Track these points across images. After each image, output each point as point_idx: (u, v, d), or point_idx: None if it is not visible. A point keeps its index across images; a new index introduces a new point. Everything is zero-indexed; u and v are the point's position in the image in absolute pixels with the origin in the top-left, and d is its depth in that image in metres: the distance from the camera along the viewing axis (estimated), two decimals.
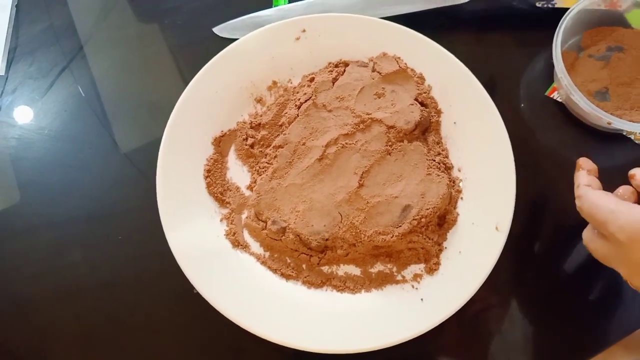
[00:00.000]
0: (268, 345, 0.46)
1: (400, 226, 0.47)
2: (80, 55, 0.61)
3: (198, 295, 0.47)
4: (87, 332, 0.52)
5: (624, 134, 0.55)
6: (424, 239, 0.48)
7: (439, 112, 0.54)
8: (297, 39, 0.55)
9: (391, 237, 0.47)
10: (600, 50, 0.56)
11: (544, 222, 0.53)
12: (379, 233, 0.47)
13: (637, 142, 0.54)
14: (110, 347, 0.51)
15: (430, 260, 0.49)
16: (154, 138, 0.55)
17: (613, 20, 0.56)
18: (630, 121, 0.50)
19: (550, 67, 0.55)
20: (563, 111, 0.56)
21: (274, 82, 0.56)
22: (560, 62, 0.51)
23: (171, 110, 0.52)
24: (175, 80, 0.60)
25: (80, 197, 0.56)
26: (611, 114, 0.50)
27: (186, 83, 0.53)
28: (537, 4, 0.58)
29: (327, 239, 0.48)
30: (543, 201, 0.54)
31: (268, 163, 0.52)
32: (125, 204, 0.55)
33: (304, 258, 0.50)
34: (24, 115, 0.59)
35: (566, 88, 0.51)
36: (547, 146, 0.55)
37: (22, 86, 0.60)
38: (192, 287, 0.48)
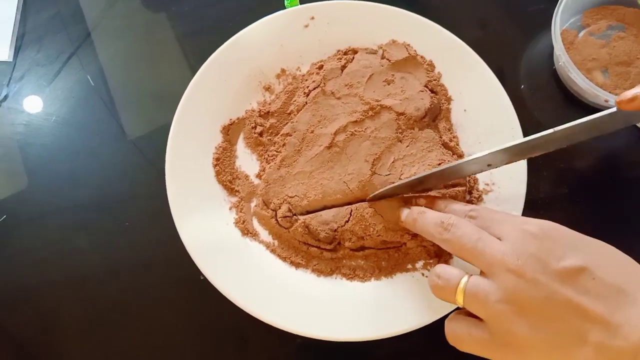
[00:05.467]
0: (272, 332, 0.44)
1: None
2: (88, 43, 0.59)
3: (204, 281, 0.46)
4: (93, 318, 0.50)
5: None
6: None
7: (449, 100, 0.51)
8: (306, 26, 0.53)
9: (401, 236, 0.45)
10: (601, 29, 0.54)
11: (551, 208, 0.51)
12: (389, 229, 0.45)
13: None
14: (115, 332, 0.50)
15: (443, 257, 0.46)
16: (161, 125, 0.53)
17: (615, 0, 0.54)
18: None
19: (552, 47, 0.53)
20: (564, 91, 0.54)
21: (283, 70, 0.53)
22: (559, 39, 0.50)
23: (178, 98, 0.50)
24: (182, 68, 0.58)
25: (88, 183, 0.54)
26: (610, 92, 0.49)
27: (193, 71, 0.51)
28: None
29: (335, 230, 0.46)
30: (547, 186, 0.52)
31: (276, 151, 0.50)
32: (132, 191, 0.54)
33: (314, 252, 0.48)
34: (31, 101, 0.58)
35: (564, 65, 0.49)
36: (547, 126, 0.52)
37: (30, 73, 0.59)
38: (198, 274, 0.46)
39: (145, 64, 0.59)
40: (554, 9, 0.51)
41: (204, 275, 0.46)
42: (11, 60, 0.59)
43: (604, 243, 0.34)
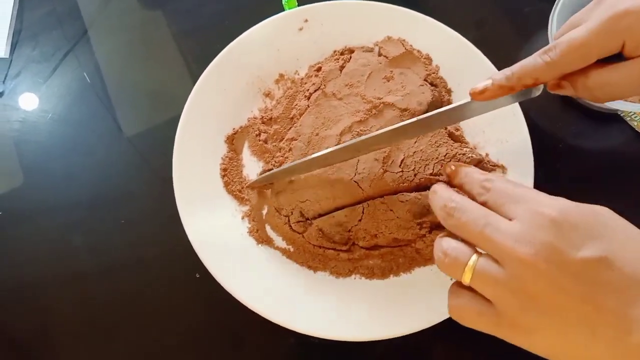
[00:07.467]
0: (267, 331, 0.44)
1: (421, 224, 0.45)
2: (84, 40, 0.58)
3: (200, 279, 0.46)
4: (89, 316, 0.50)
5: (621, 115, 0.53)
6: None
7: (449, 92, 0.52)
8: (300, 29, 0.53)
9: (412, 232, 0.44)
10: None
11: None
12: (400, 226, 0.45)
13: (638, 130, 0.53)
14: (110, 330, 0.49)
15: None
16: (158, 123, 0.53)
17: None
18: (624, 101, 0.48)
19: None
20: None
21: (281, 75, 0.53)
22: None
23: (175, 95, 0.50)
24: (179, 66, 0.57)
25: (83, 180, 0.54)
26: None
27: (190, 68, 0.50)
28: None
29: (349, 230, 0.46)
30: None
31: (283, 157, 0.49)
32: (127, 188, 0.53)
33: (331, 254, 0.47)
34: (27, 99, 0.57)
35: None
36: (544, 128, 0.53)
37: (26, 70, 0.58)
38: (194, 271, 0.46)
39: (141, 61, 0.58)
40: (551, 10, 0.50)
41: (200, 273, 0.45)
42: (7, 57, 0.58)
43: (631, 225, 0.30)
